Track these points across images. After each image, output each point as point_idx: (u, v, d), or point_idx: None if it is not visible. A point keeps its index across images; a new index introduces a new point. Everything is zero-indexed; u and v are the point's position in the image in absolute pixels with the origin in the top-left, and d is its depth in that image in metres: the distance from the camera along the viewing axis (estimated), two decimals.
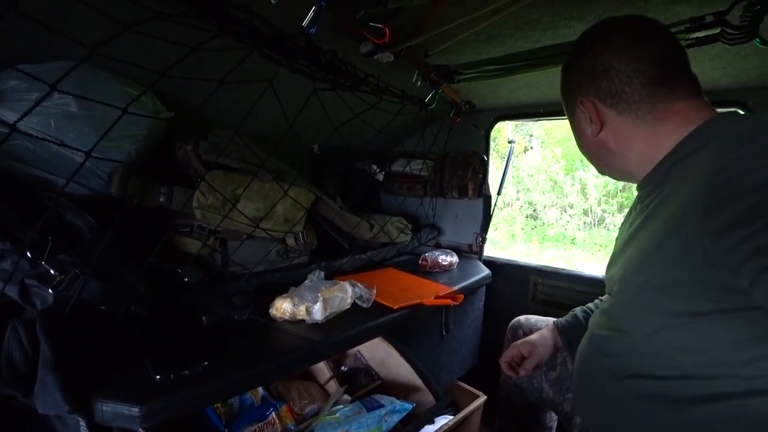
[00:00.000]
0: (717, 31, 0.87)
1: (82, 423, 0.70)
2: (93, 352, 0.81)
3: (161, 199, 1.11)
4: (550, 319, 1.39)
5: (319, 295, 1.00)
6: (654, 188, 0.70)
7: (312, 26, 0.85)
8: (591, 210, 6.83)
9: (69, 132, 0.95)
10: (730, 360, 0.56)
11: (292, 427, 1.10)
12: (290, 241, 1.29)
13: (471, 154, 1.83)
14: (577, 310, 1.08)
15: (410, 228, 1.79)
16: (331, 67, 0.97)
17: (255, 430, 1.05)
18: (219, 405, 1.08)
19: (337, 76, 1.00)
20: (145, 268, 0.94)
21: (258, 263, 1.23)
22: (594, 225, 6.83)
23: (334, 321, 1.05)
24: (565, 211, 7.09)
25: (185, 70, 0.76)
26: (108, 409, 0.71)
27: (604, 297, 0.93)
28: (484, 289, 1.76)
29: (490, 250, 1.95)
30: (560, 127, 7.02)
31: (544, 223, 7.25)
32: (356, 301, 1.11)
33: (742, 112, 1.34)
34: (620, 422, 0.71)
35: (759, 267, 0.44)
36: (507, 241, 7.04)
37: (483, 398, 1.59)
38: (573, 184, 6.91)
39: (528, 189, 7.44)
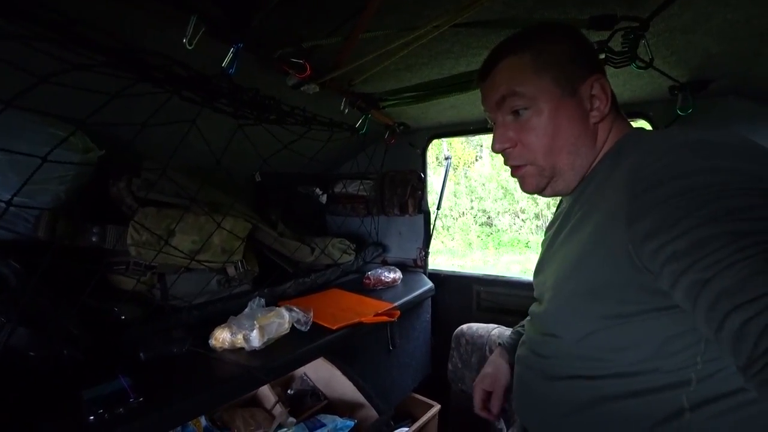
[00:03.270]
0: (603, 56, 0.98)
1: None
2: (22, 399, 0.81)
3: (94, 239, 1.11)
4: (491, 326, 1.44)
5: (255, 322, 1.03)
6: (580, 196, 0.73)
7: (231, 67, 0.90)
8: (542, 214, 7.13)
9: None
10: (655, 356, 0.59)
11: None
12: (231, 270, 1.31)
13: (409, 172, 1.92)
14: (519, 327, 1.09)
15: (353, 248, 1.85)
16: (255, 103, 1.02)
17: None
18: None
19: (261, 111, 1.05)
20: (79, 309, 0.94)
21: (198, 295, 1.24)
22: (545, 227, 7.08)
23: (274, 346, 1.08)
24: (518, 217, 7.38)
25: (113, 110, 0.79)
26: None
27: (534, 305, 0.94)
28: (429, 301, 1.82)
29: (446, 260, 2.03)
30: None
31: (498, 230, 7.51)
32: (294, 324, 1.14)
33: (646, 123, 1.51)
34: (555, 421, 0.73)
35: (677, 271, 0.48)
36: (464, 250, 7.23)
37: (437, 407, 1.66)
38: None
39: (481, 198, 7.69)
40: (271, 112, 1.09)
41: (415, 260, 2.02)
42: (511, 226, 7.42)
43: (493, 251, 7.15)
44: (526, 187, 0.79)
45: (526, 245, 7.13)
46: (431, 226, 2.00)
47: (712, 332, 0.45)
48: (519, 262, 6.58)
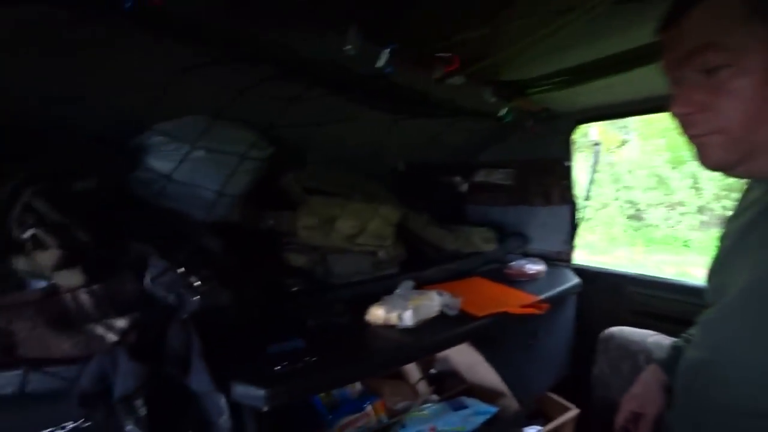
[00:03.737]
0: None
1: (223, 399, 0.87)
2: (228, 345, 1.00)
3: (270, 222, 1.31)
4: (647, 332, 1.30)
5: (408, 303, 1.11)
6: None
7: (387, 67, 0.97)
8: (707, 207, 6.05)
9: (198, 173, 1.18)
10: None
11: (385, 420, 1.21)
12: (381, 253, 1.43)
13: (553, 160, 1.83)
14: (680, 341, 0.93)
15: (495, 238, 1.83)
16: (408, 99, 1.09)
17: (353, 419, 1.18)
18: (324, 395, 1.24)
19: (413, 106, 1.11)
20: (261, 280, 1.13)
21: (354, 274, 1.38)
22: (712, 224, 6.04)
23: (423, 327, 1.15)
24: (674, 210, 6.38)
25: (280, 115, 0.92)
26: (241, 390, 0.88)
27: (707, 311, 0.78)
28: (574, 298, 1.72)
29: (585, 257, 1.89)
30: (661, 116, 6.33)
31: (649, 225, 6.61)
32: (443, 308, 1.20)
33: None
34: None
35: None
36: (607, 246, 6.52)
37: (575, 411, 1.55)
38: (682, 179, 6.18)
39: (628, 187, 6.82)
40: (424, 107, 1.15)
41: (558, 253, 1.91)
42: (665, 220, 6.45)
43: (641, 249, 6.33)
44: (707, 160, 0.62)
45: (685, 244, 6.12)
46: (578, 219, 1.87)
47: None
48: (674, 264, 5.67)
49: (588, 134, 1.93)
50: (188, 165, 1.16)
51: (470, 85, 1.20)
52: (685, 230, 6.24)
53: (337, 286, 1.36)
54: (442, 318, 1.20)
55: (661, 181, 6.45)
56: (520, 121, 1.74)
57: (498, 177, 1.93)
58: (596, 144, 1.95)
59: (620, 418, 0.92)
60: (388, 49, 0.96)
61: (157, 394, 0.90)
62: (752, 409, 0.57)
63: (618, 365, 1.28)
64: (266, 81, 0.86)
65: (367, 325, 1.16)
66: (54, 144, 1.04)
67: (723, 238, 0.74)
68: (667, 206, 6.39)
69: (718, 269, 0.73)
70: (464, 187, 2.01)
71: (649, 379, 0.92)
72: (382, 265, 1.44)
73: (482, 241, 1.72)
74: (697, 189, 6.06)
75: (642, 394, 0.90)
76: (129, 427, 0.85)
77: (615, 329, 1.35)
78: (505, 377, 1.26)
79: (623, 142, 6.99)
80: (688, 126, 0.62)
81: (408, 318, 1.10)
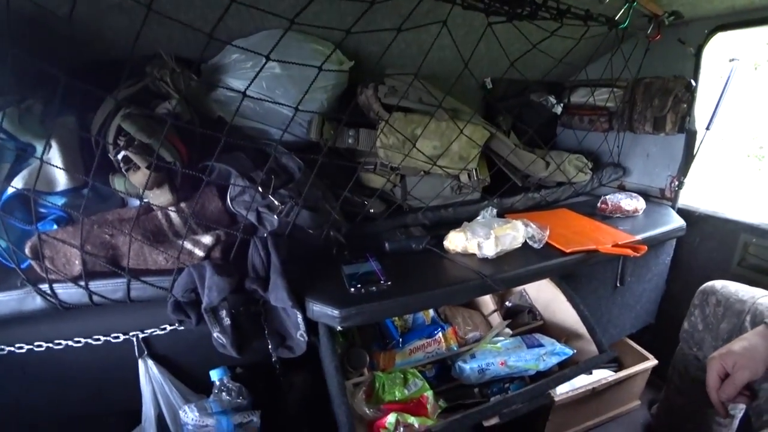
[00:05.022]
0: None
1: (300, 315, 0.91)
2: (305, 264, 1.02)
3: (350, 141, 1.26)
4: (760, 292, 1.08)
5: (491, 231, 1.03)
6: None
7: None
8: None
9: (276, 90, 1.15)
10: None
11: (455, 348, 1.20)
12: (464, 177, 1.33)
13: (673, 79, 1.54)
14: None
15: (590, 167, 1.64)
16: None
17: (423, 344, 1.18)
18: (397, 319, 1.24)
19: (512, 5, 0.94)
20: (340, 201, 1.10)
21: (434, 198, 1.31)
22: None
23: (504, 258, 1.07)
24: None
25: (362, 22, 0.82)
26: (317, 308, 0.90)
27: None
28: (674, 242, 1.53)
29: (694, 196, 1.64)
30: None
31: None
32: (527, 240, 1.11)
33: None
34: None
35: None
36: (721, 184, 5.73)
37: (653, 362, 1.45)
38: None
39: (759, 118, 5.79)
40: (523, 6, 0.97)
41: (662, 190, 1.68)
42: None
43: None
44: None
45: None
46: (695, 151, 1.59)
47: None
48: None
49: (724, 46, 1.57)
50: (264, 82, 1.13)
51: None
52: None
53: (415, 210, 1.31)
54: (525, 250, 1.12)
55: None
56: (640, 28, 1.45)
57: (601, 98, 1.68)
58: (733, 60, 1.60)
59: (711, 376, 0.81)
60: None
61: (240, 306, 0.95)
62: None
63: (716, 324, 1.10)
64: None
65: (446, 252, 1.11)
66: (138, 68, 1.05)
67: None
68: None
69: None
70: (558, 108, 1.78)
71: (754, 338, 0.81)
72: (464, 190, 1.35)
73: (575, 170, 1.55)
74: None
75: (740, 352, 0.80)
76: (215, 333, 0.91)
77: (718, 282, 1.16)
78: (584, 319, 1.17)
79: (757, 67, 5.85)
80: None
81: (488, 248, 1.03)
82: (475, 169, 1.31)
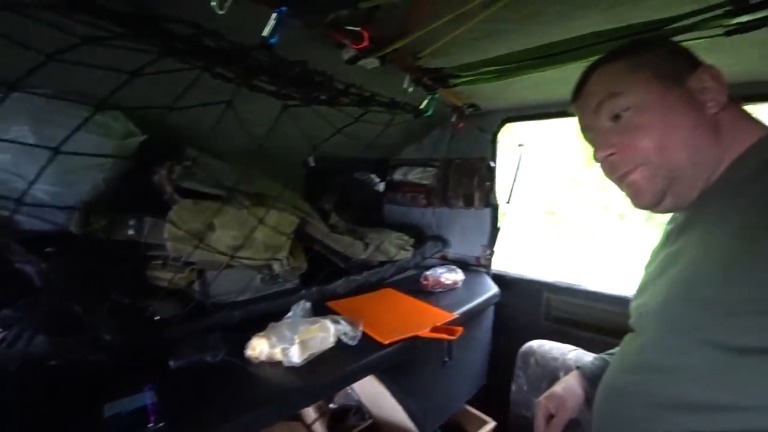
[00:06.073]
0: (765, 13, 0.71)
1: None
2: (41, 411, 0.73)
3: (130, 232, 1.02)
4: (567, 348, 1.27)
5: (295, 337, 0.90)
6: (707, 204, 0.62)
7: (272, 36, 0.74)
8: (611, 205, 6.60)
9: (26, 165, 0.87)
10: None
11: None
12: (276, 266, 1.19)
13: (477, 160, 1.70)
14: (604, 355, 0.95)
15: (411, 243, 1.67)
16: (302, 80, 0.86)
17: None
18: None
19: (309, 90, 0.89)
20: (111, 309, 0.86)
21: (242, 293, 1.13)
22: (615, 220, 6.60)
23: (317, 362, 0.94)
24: (585, 206, 6.86)
25: (154, 91, 0.68)
26: None
27: (629, 336, 0.78)
28: (492, 307, 1.63)
29: (504, 249, 1.80)
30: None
31: (562, 219, 7.04)
32: (341, 338, 1.00)
33: None
34: None
35: None
36: (523, 239, 6.86)
37: (491, 424, 1.51)
38: (592, 179, 6.70)
39: (546, 184, 7.23)
40: (322, 91, 0.93)
41: (478, 258, 1.81)
42: (577, 215, 6.93)
43: (555, 242, 6.74)
44: (640, 197, 0.67)
45: (593, 237, 6.65)
46: (499, 222, 1.78)
47: None
48: (583, 256, 6.15)
49: (513, 134, 1.82)
50: (12, 154, 0.85)
51: (386, 70, 1.00)
52: (593, 225, 6.74)
53: (220, 307, 1.11)
54: (340, 348, 1.01)
55: (575, 180, 6.90)
56: (444, 116, 1.58)
57: (417, 176, 1.77)
58: (521, 144, 1.85)
59: (540, 420, 0.91)
60: (275, 13, 0.73)
61: None
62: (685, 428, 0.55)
63: (538, 384, 1.23)
64: (92, 42, 0.59)
65: (248, 363, 0.93)
66: None
67: (647, 267, 0.78)
68: (579, 203, 6.86)
69: (640, 293, 0.76)
70: (380, 186, 1.82)
71: (570, 381, 0.93)
72: (278, 279, 1.21)
73: (396, 249, 1.55)
74: (603, 188, 6.55)
75: (560, 395, 0.91)
76: None
77: (535, 343, 1.30)
78: (415, 410, 1.09)
79: (543, 142, 7.34)
80: (614, 167, 0.68)
81: (294, 355, 0.89)
82: (288, 257, 1.18)
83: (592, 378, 0.89)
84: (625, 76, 0.65)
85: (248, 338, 0.96)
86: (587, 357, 1.20)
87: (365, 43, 0.86)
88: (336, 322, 0.99)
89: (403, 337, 1.08)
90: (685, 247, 0.62)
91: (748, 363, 0.49)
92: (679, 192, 0.63)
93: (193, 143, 1.15)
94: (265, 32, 0.73)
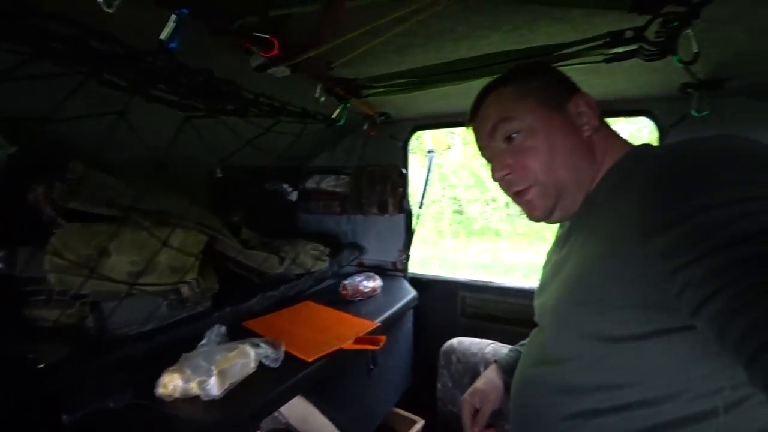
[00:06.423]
0: (635, 47, 0.85)
1: None
2: None
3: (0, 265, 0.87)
4: (485, 342, 1.36)
5: (213, 367, 0.82)
6: (585, 215, 0.70)
7: (172, 40, 0.67)
8: (512, 203, 7.16)
9: None
10: (677, 381, 0.55)
11: None
12: (184, 289, 1.09)
13: (389, 167, 1.73)
14: (517, 346, 1.03)
15: (327, 253, 1.64)
16: (207, 90, 0.80)
17: None
18: None
19: (215, 100, 0.83)
20: None
21: (145, 323, 1.02)
22: (515, 216, 7.16)
23: (239, 391, 0.87)
24: (489, 205, 7.36)
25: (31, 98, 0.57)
26: None
27: (535, 330, 0.88)
28: (411, 310, 1.66)
29: (417, 249, 1.85)
30: None
31: (469, 218, 7.47)
32: (262, 361, 0.95)
33: (650, 120, 1.38)
34: None
35: (698, 298, 0.44)
36: (435, 238, 7.15)
37: (420, 423, 1.55)
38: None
39: (453, 185, 7.62)
40: (230, 101, 0.87)
41: (394, 263, 1.84)
42: (482, 213, 7.40)
43: (463, 239, 7.13)
44: (534, 212, 0.75)
45: (497, 233, 7.15)
46: (413, 227, 1.82)
47: (742, 366, 0.40)
48: (489, 251, 6.58)
49: (423, 140, 1.88)
50: None
51: (297, 78, 0.97)
52: (496, 222, 7.25)
53: (116, 346, 0.97)
54: (263, 372, 0.95)
55: (479, 181, 7.38)
56: (356, 124, 1.59)
57: (330, 184, 1.75)
58: (431, 151, 1.92)
59: (466, 416, 0.95)
60: (175, 15, 0.66)
61: None
62: (573, 411, 0.64)
63: (460, 379, 1.30)
64: None
65: (160, 404, 0.83)
66: None
67: (544, 267, 0.86)
68: (483, 202, 7.35)
69: (540, 292, 0.82)
70: (293, 195, 1.77)
71: (490, 375, 0.99)
72: (187, 304, 1.11)
73: (312, 260, 1.51)
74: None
75: (482, 389, 0.96)
76: None
77: (455, 341, 1.36)
78: (344, 424, 1.07)
79: (449, 146, 7.75)
80: (510, 185, 0.75)
81: (213, 387, 0.82)
82: (197, 279, 1.09)
83: (508, 370, 0.96)
84: (515, 101, 0.72)
85: (158, 374, 0.86)
86: (503, 349, 1.31)
87: (275, 52, 0.82)
88: (256, 345, 0.93)
89: (327, 352, 1.05)
90: (570, 254, 0.70)
91: (620, 349, 0.58)
92: (564, 206, 0.72)
93: (79, 155, 1.01)
94: (164, 35, 0.66)
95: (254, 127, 1.02)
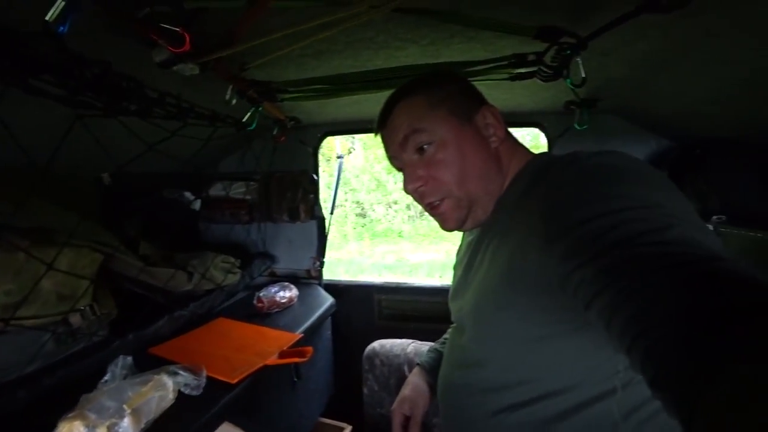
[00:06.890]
0: (535, 69, 0.96)
1: None
2: None
3: None
4: (406, 342, 1.39)
5: (125, 407, 0.72)
6: (494, 222, 0.73)
7: (62, 24, 0.57)
8: (413, 204, 7.44)
9: None
10: (584, 369, 0.61)
11: None
12: (75, 319, 0.94)
13: (300, 173, 1.68)
14: (437, 345, 1.04)
15: (238, 264, 1.54)
16: (104, 84, 0.69)
17: None
18: None
19: (114, 98, 0.72)
20: None
21: (26, 364, 0.84)
22: (417, 217, 7.45)
23: (158, 428, 0.77)
24: (391, 207, 7.56)
25: None
26: None
27: (450, 330, 0.94)
28: (330, 317, 1.63)
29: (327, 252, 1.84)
30: None
31: (372, 220, 7.59)
32: (182, 389, 0.85)
33: (540, 132, 1.57)
34: None
35: (588, 295, 0.47)
36: (340, 242, 7.14)
37: (348, 429, 1.53)
38: (395, 182, 7.42)
39: (355, 189, 7.68)
40: (131, 100, 0.77)
41: (308, 271, 1.79)
42: (384, 216, 7.57)
43: (368, 242, 7.21)
44: (447, 224, 0.76)
45: (400, 235, 7.37)
46: (326, 233, 1.80)
47: (624, 353, 0.44)
48: (393, 252, 6.75)
49: (330, 145, 1.87)
50: None
51: (206, 78, 0.89)
52: (399, 224, 7.48)
53: None
54: (183, 402, 0.85)
55: (380, 184, 7.55)
56: (265, 129, 1.51)
57: (238, 191, 1.65)
58: (340, 156, 1.91)
59: (396, 426, 0.94)
60: None
61: None
62: (501, 405, 0.67)
63: (386, 381, 1.33)
64: None
65: None
66: None
67: (455, 268, 0.90)
68: (385, 205, 7.53)
69: (455, 295, 0.85)
70: (196, 203, 1.63)
71: (415, 380, 0.99)
72: (78, 336, 0.95)
73: (223, 273, 1.40)
74: (405, 190, 7.40)
75: (410, 396, 0.95)
76: None
77: (376, 344, 1.38)
78: None
79: (350, 151, 7.80)
80: (423, 197, 0.75)
81: (128, 430, 0.71)
82: (91, 305, 0.94)
83: (432, 371, 0.98)
84: (426, 112, 0.71)
85: (53, 425, 0.72)
86: (423, 347, 1.36)
87: (186, 47, 0.74)
88: (173, 374, 0.83)
89: (251, 371, 0.98)
90: (483, 260, 0.72)
91: (533, 348, 0.63)
92: (475, 216, 0.74)
93: None
94: (49, 16, 0.56)
95: (152, 128, 0.91)
